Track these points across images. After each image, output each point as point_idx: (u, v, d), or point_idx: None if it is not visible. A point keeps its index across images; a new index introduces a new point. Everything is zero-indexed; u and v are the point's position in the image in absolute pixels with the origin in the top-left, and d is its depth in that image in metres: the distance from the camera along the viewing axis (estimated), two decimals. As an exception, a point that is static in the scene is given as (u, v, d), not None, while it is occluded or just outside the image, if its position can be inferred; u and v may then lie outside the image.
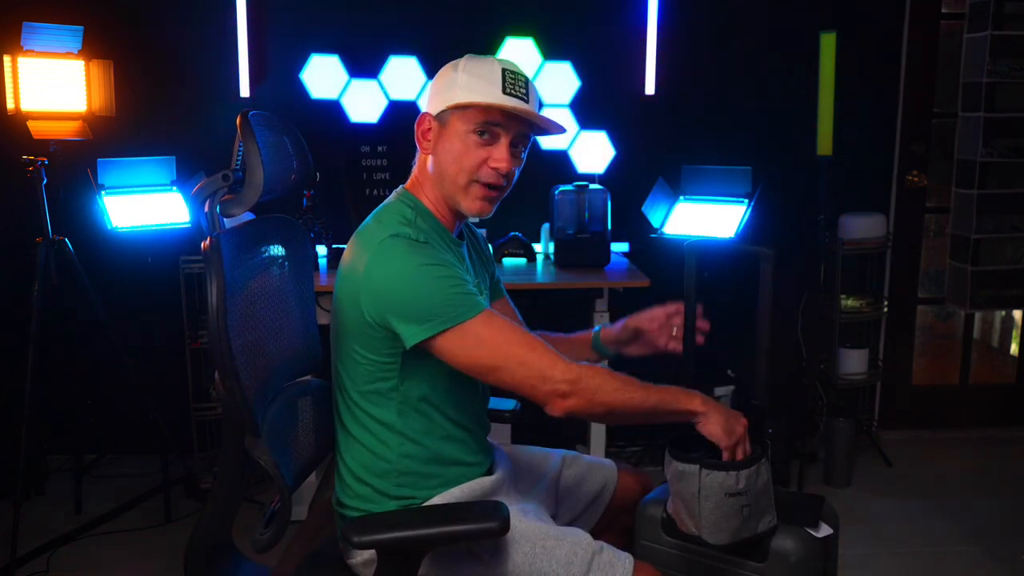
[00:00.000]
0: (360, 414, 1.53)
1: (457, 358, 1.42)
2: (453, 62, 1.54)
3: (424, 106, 1.56)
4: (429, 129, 1.53)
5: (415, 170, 1.59)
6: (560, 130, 1.55)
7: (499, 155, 1.49)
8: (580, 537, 1.51)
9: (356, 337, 1.48)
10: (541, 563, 1.47)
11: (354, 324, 1.47)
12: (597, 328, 1.85)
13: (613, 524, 1.81)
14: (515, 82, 1.49)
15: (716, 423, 1.46)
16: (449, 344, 1.41)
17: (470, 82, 1.48)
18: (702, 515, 1.52)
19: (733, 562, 1.63)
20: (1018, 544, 2.83)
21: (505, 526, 1.38)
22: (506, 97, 1.47)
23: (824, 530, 1.70)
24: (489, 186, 1.51)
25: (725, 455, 1.48)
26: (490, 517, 1.39)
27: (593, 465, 1.84)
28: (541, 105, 1.59)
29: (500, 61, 1.51)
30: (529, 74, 3.35)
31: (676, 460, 1.53)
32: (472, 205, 1.52)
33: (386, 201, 1.57)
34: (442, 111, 1.50)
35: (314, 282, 1.73)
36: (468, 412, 1.60)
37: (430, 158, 1.54)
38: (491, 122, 1.48)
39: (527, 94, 1.50)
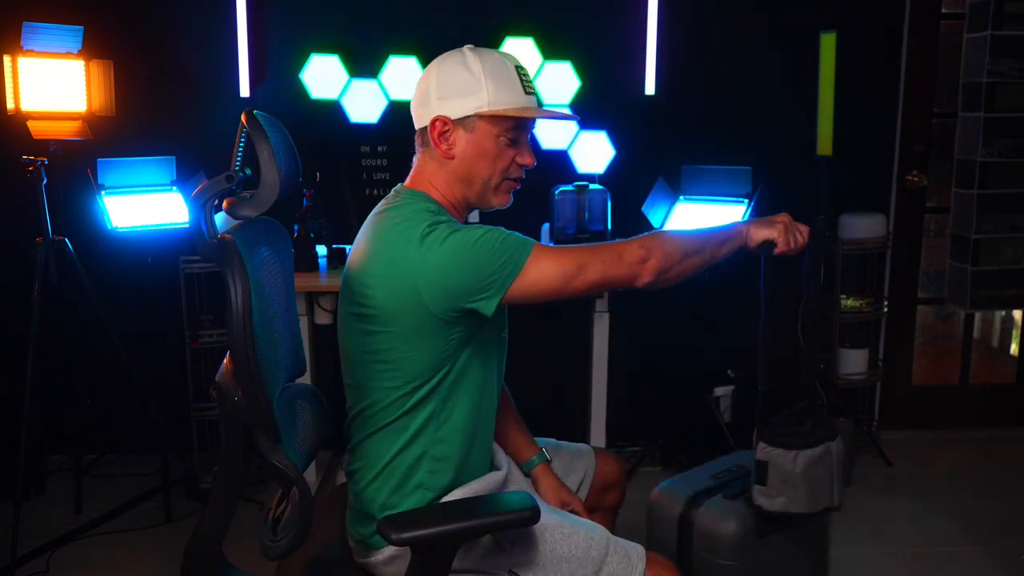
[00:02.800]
0: (386, 416, 1.53)
1: (539, 288, 1.46)
2: (455, 57, 1.52)
3: (432, 106, 1.52)
4: (447, 131, 1.52)
5: (418, 169, 1.58)
6: (574, 118, 1.73)
7: (527, 153, 1.57)
8: (594, 525, 1.62)
9: (407, 336, 1.48)
10: (561, 549, 1.54)
11: (408, 323, 1.46)
12: (539, 459, 1.84)
13: (597, 506, 1.91)
14: (527, 78, 1.55)
15: (760, 232, 1.59)
16: (525, 284, 1.45)
17: (497, 89, 1.50)
18: (800, 488, 1.73)
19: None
20: (1018, 544, 2.83)
21: (536, 514, 1.44)
22: (529, 98, 1.54)
23: None
24: (517, 180, 1.60)
25: (780, 247, 1.60)
26: (521, 507, 1.45)
27: (573, 453, 1.93)
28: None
29: (506, 57, 1.54)
30: (529, 74, 3.36)
31: (777, 446, 1.73)
32: (502, 200, 1.60)
33: (397, 203, 1.55)
34: (467, 116, 1.50)
35: (295, 283, 1.71)
36: (489, 409, 1.63)
37: (446, 160, 1.54)
38: (522, 128, 1.55)
39: (534, 87, 1.57)
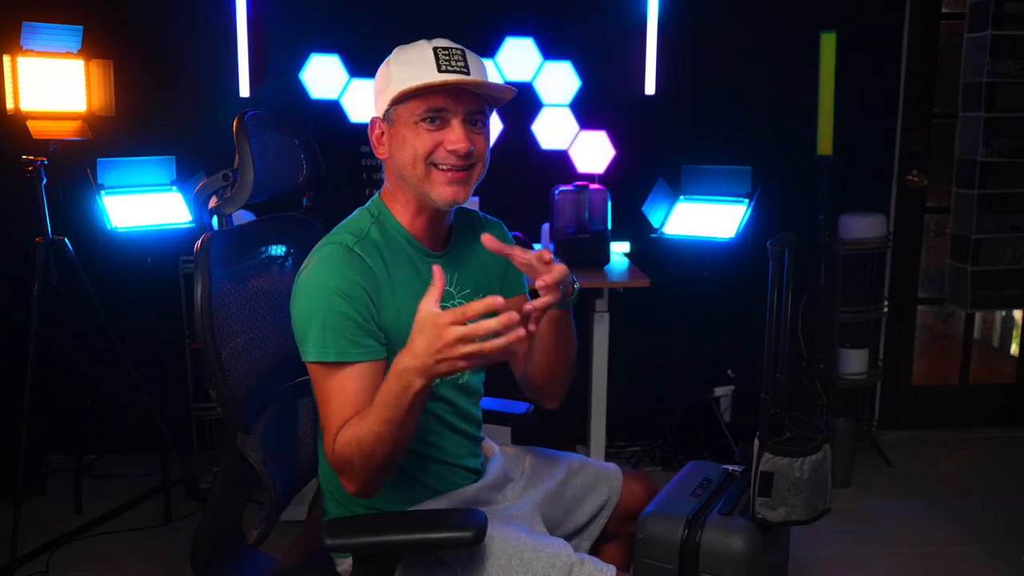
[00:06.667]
0: (321, 440, 1.48)
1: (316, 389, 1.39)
2: (386, 59, 1.49)
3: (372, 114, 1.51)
4: (382, 133, 1.48)
5: (385, 178, 1.55)
6: (510, 92, 1.47)
7: (453, 136, 1.41)
8: (560, 550, 1.44)
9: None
10: (517, 575, 1.41)
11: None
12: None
13: (619, 532, 1.78)
14: (450, 58, 1.42)
15: (433, 373, 1.23)
16: (312, 373, 1.38)
17: (403, 71, 1.42)
18: (803, 494, 1.68)
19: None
20: (1018, 544, 2.83)
21: (479, 536, 1.32)
22: (443, 75, 1.40)
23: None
24: (453, 168, 1.43)
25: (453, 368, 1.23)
26: (465, 526, 1.33)
27: (600, 473, 1.78)
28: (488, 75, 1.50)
29: (431, 42, 1.44)
30: (529, 74, 3.36)
31: (783, 455, 1.67)
32: (441, 192, 1.44)
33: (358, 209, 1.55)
34: (386, 110, 1.45)
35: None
36: (461, 415, 1.57)
37: (386, 160, 1.50)
38: (435, 107, 1.41)
39: (467, 66, 1.42)
